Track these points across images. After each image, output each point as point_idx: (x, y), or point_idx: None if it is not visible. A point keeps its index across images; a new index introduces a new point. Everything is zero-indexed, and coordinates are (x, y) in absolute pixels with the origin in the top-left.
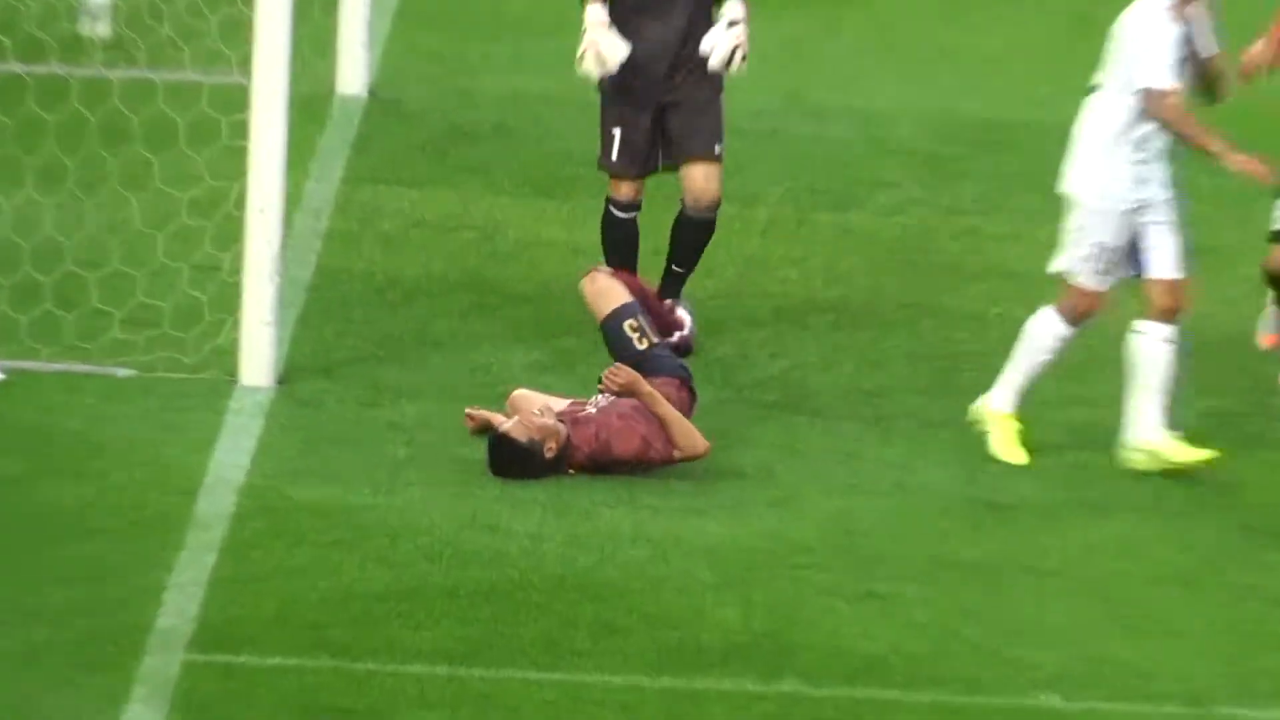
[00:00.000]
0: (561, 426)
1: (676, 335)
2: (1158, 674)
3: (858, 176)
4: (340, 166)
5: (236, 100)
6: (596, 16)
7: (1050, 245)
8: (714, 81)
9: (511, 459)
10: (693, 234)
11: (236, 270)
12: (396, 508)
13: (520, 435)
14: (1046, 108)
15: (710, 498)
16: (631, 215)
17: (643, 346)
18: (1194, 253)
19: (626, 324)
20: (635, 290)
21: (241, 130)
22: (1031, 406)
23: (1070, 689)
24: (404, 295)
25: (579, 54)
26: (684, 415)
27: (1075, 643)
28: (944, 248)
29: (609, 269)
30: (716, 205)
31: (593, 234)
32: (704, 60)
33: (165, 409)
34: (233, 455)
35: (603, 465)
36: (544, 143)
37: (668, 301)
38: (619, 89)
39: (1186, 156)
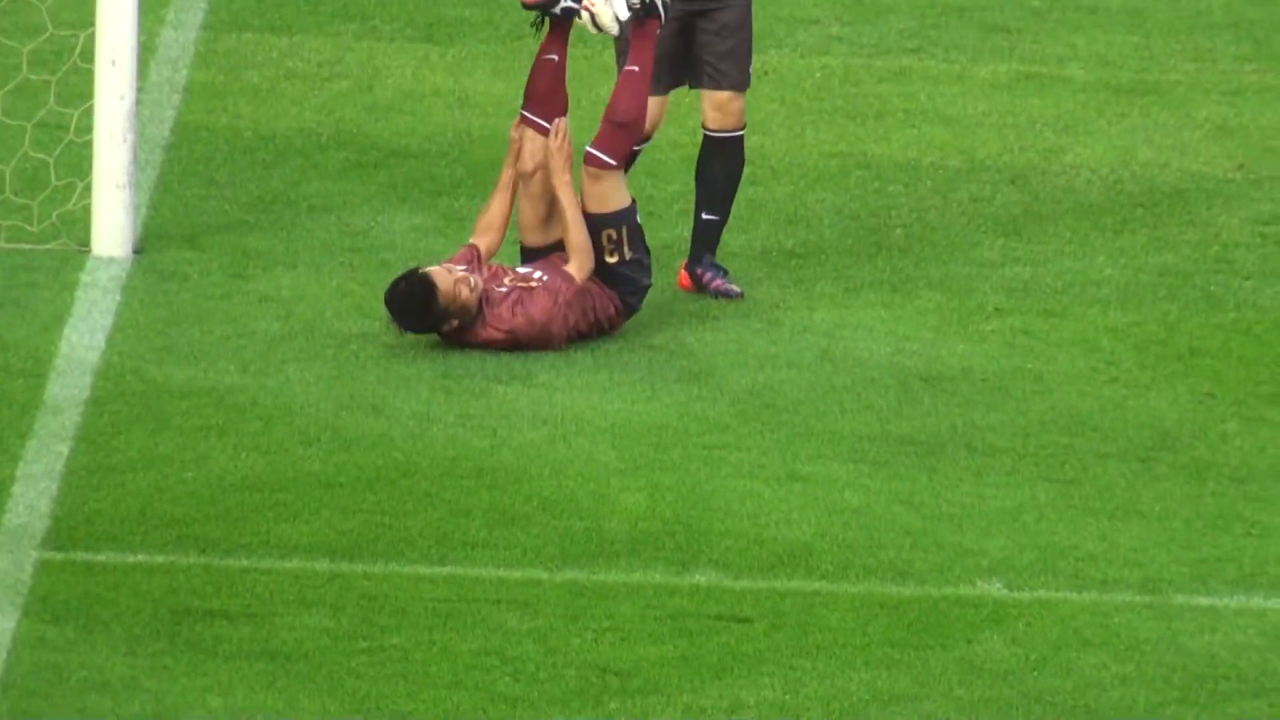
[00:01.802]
0: (474, 307)
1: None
2: (1109, 559)
3: (774, 12)
4: (200, 11)
5: None
6: None
7: (991, 86)
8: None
9: (416, 305)
10: (721, 161)
11: (86, 129)
12: (269, 389)
13: (443, 286)
14: None
15: (614, 372)
16: (643, 146)
17: (611, 260)
18: (1142, 91)
19: (605, 233)
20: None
21: None
22: (965, 265)
23: (1014, 576)
24: (274, 154)
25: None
26: (603, 321)
27: (1019, 526)
28: (871, 91)
29: (611, 161)
30: (743, 125)
31: (482, 82)
32: None
33: (10, 284)
34: (87, 334)
35: (520, 340)
36: None
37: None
38: None
39: None
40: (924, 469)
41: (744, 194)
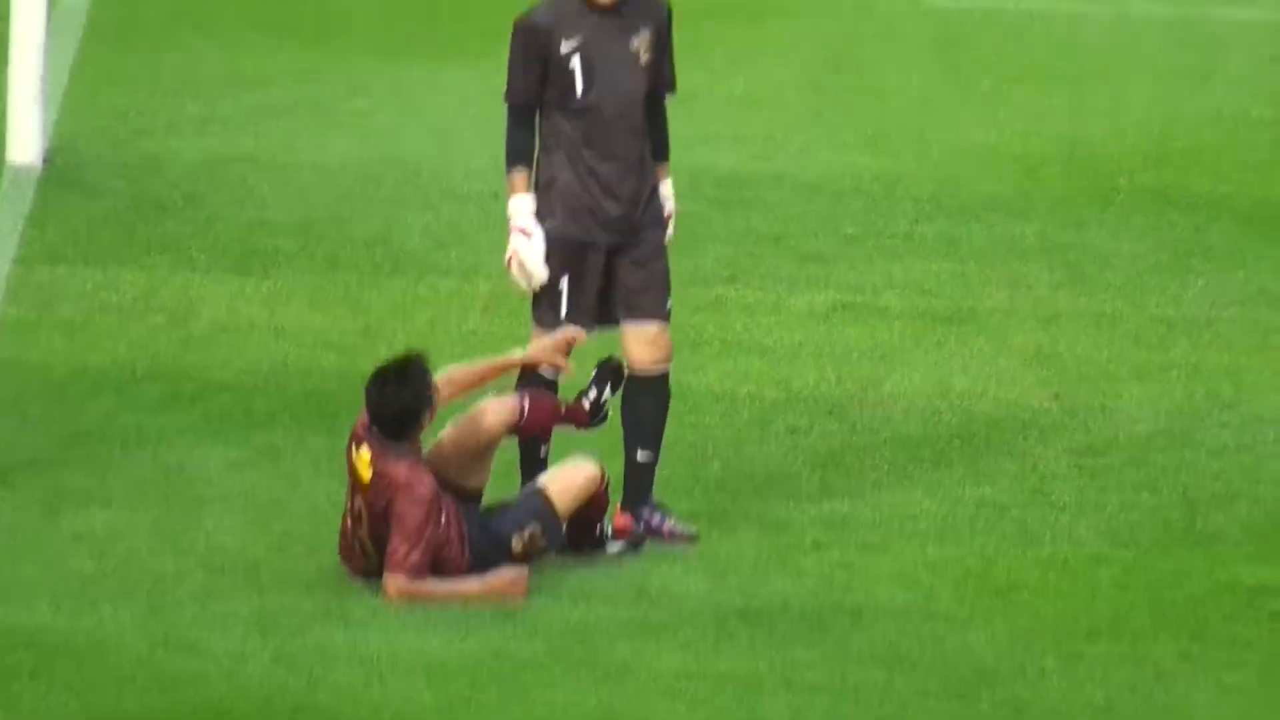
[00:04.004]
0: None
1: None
2: None
3: None
4: (12, 245)
5: None
6: (520, 211)
7: (807, 315)
8: (662, 228)
9: (410, 371)
10: (650, 399)
11: None
12: (83, 629)
13: (435, 381)
14: (799, 160)
15: (429, 610)
16: (557, 377)
17: (515, 550)
18: (959, 320)
19: (531, 529)
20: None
21: None
22: (783, 499)
23: None
24: (88, 388)
25: (505, 258)
26: (444, 553)
27: None
28: (686, 321)
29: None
30: (669, 359)
31: (298, 313)
32: (654, 204)
33: None
34: None
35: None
36: (241, 212)
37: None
38: (566, 229)
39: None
40: (742, 706)
41: (559, 429)
